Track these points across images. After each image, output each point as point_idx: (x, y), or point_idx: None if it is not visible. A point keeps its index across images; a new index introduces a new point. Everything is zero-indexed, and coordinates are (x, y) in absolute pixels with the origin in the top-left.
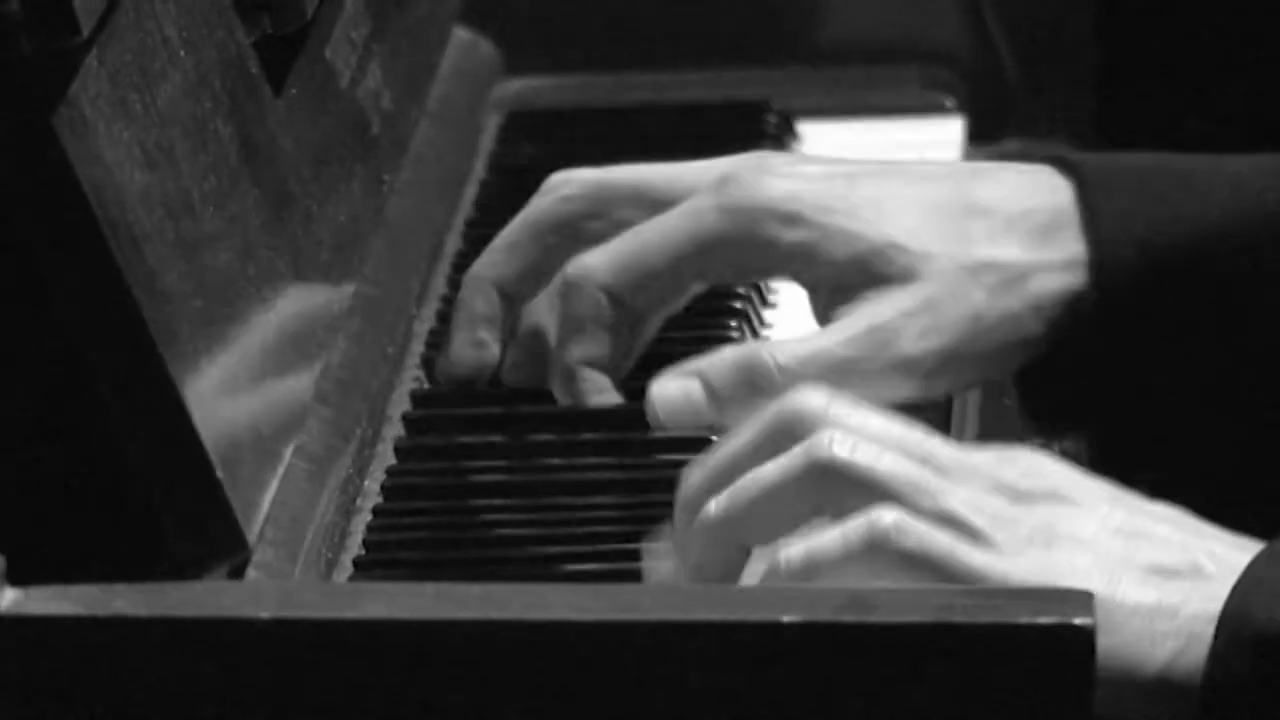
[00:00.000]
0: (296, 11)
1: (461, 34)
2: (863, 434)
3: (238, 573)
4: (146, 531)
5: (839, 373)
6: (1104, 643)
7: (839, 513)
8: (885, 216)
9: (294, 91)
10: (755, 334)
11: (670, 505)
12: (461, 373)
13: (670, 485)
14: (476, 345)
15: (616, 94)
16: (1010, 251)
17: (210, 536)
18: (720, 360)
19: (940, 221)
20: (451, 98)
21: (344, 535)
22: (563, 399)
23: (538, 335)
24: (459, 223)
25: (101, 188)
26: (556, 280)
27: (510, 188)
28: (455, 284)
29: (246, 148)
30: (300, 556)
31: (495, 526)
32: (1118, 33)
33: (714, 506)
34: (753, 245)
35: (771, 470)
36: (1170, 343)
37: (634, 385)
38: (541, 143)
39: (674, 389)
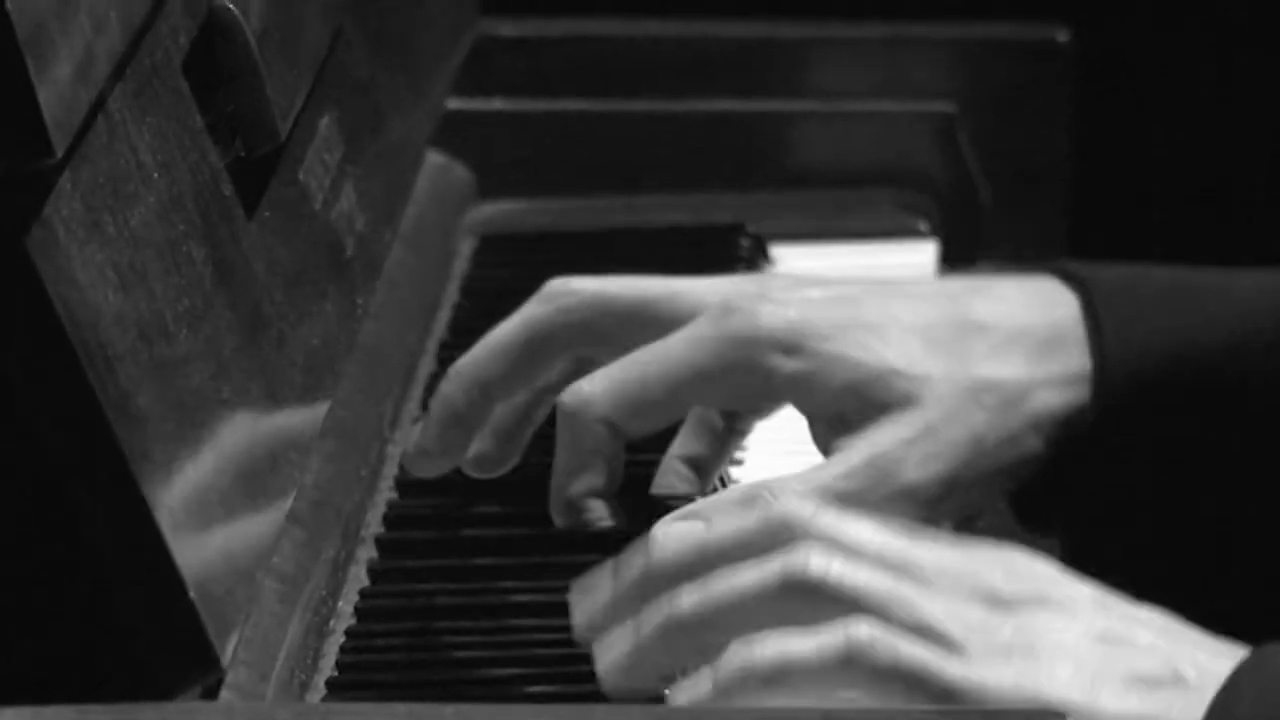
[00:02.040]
0: (269, 134)
1: (435, 158)
2: (843, 545)
3: (211, 693)
4: (120, 651)
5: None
6: None
7: (812, 623)
8: (885, 342)
9: (267, 214)
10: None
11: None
12: (425, 469)
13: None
14: (446, 445)
15: (590, 218)
16: (1011, 368)
17: (183, 657)
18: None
19: (940, 342)
20: (425, 221)
21: (317, 656)
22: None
23: (507, 434)
24: (432, 346)
25: (74, 309)
26: (534, 393)
27: (484, 311)
28: (429, 407)
29: (220, 269)
30: (273, 677)
31: (468, 648)
32: (1092, 158)
33: (686, 600)
34: (753, 375)
35: (748, 579)
36: (1167, 461)
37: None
38: (515, 266)
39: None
